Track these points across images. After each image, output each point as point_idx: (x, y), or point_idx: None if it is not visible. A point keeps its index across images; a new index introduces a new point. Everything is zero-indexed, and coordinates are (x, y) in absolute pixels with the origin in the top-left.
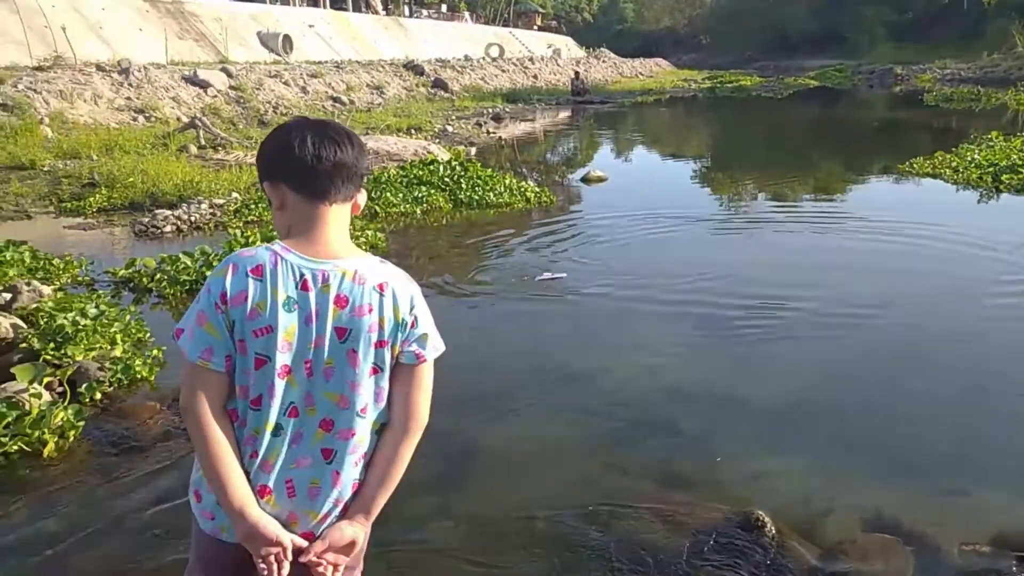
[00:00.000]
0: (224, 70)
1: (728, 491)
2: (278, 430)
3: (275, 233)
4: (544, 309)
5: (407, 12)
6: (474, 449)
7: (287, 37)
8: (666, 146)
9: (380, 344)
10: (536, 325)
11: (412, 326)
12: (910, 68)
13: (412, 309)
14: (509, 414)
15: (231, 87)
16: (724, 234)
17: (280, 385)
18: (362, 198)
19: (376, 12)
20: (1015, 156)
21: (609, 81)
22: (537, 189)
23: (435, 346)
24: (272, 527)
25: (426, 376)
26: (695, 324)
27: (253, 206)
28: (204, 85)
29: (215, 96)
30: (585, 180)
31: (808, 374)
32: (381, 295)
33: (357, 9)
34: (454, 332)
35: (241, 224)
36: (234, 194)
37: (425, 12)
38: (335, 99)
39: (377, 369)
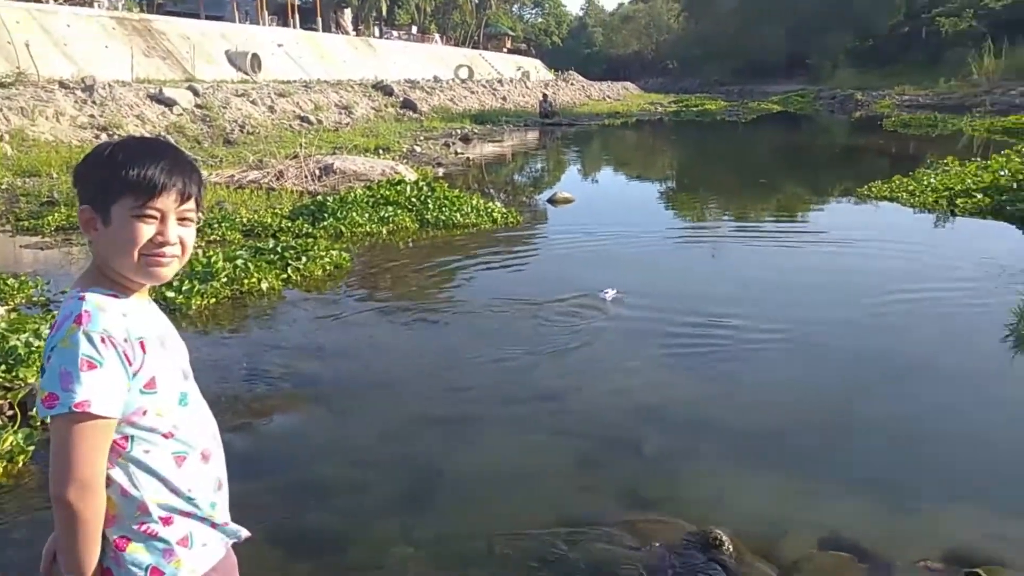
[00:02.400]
0: (191, 88)
1: (691, 510)
2: None
3: (238, 253)
4: (511, 329)
5: (377, 33)
6: (438, 472)
7: (256, 56)
8: (633, 168)
9: None
10: (502, 345)
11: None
12: (870, 94)
13: (50, 352)
14: (474, 436)
15: (197, 105)
16: (689, 254)
17: None
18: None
19: (346, 32)
20: (969, 181)
21: (577, 103)
22: (504, 210)
23: (47, 401)
24: None
25: (56, 435)
26: (662, 342)
27: (216, 225)
28: (170, 103)
29: (180, 114)
30: (552, 201)
31: (770, 392)
32: (51, 333)
33: (327, 29)
34: (419, 354)
35: (203, 244)
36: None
37: (395, 33)
38: (303, 118)
39: None
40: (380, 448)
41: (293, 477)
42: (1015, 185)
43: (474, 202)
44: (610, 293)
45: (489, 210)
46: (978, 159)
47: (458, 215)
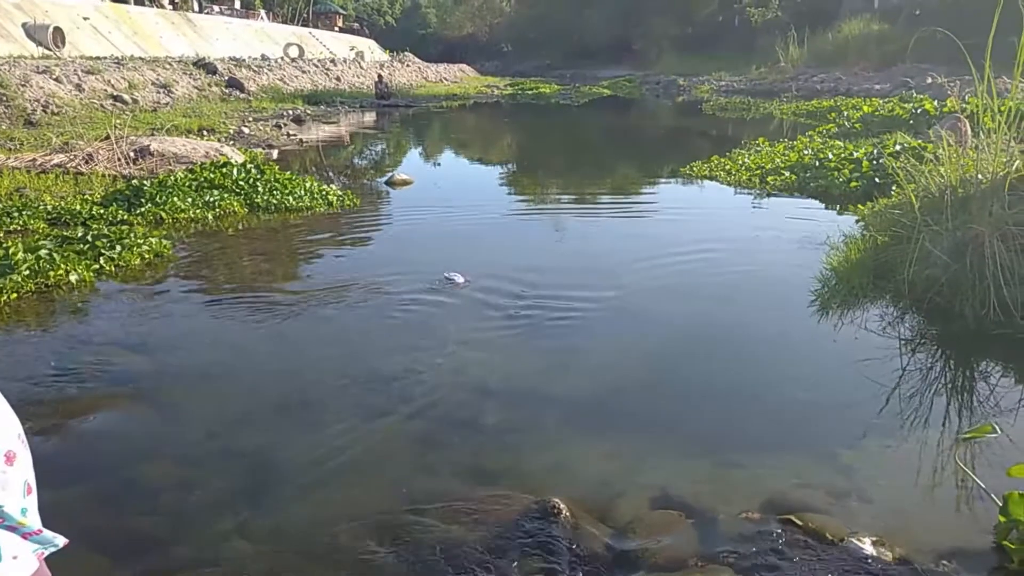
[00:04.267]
0: None
1: (531, 482)
2: None
3: (41, 243)
4: (347, 314)
5: (197, 7)
6: (275, 465)
7: (58, 30)
8: (472, 150)
9: None
10: (340, 331)
11: None
12: (691, 79)
13: None
14: (311, 424)
15: None
16: (524, 232)
17: None
18: None
19: (162, 6)
20: (778, 160)
21: (414, 85)
22: (340, 192)
23: None
24: None
25: None
26: (500, 319)
27: (16, 214)
28: None
29: None
30: (390, 183)
31: (602, 362)
32: None
33: (140, 2)
34: (249, 344)
35: (1, 235)
36: None
37: (217, 8)
38: (116, 98)
39: None
40: (209, 443)
41: (113, 480)
42: (817, 163)
43: (308, 185)
44: (459, 278)
45: (324, 193)
46: (786, 140)
47: (291, 198)
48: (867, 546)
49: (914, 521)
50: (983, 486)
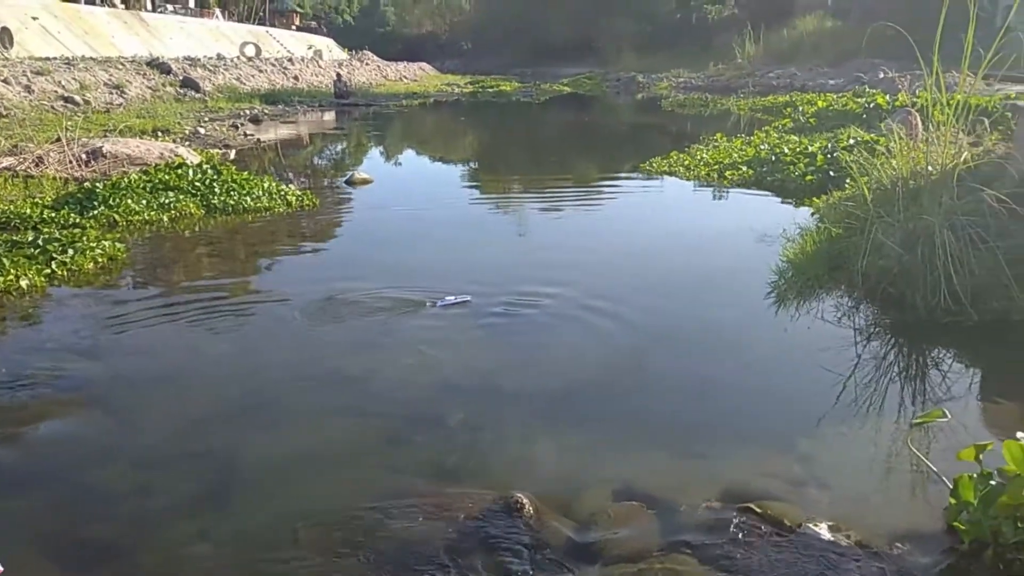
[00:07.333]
0: None
1: (495, 478)
2: None
3: None
4: (306, 316)
5: (150, 6)
6: (236, 466)
7: (5, 30)
8: (432, 148)
9: None
10: (299, 333)
11: None
12: (650, 76)
13: None
14: (272, 426)
15: None
16: (487, 230)
17: None
18: None
19: (113, 5)
20: (736, 155)
21: (373, 84)
22: (299, 193)
23: None
24: None
25: None
26: (465, 317)
27: None
28: None
29: None
30: (350, 183)
31: (565, 357)
32: None
33: (91, 1)
34: (210, 347)
35: None
36: None
37: (170, 7)
38: (67, 99)
39: None
40: (168, 447)
41: (69, 487)
42: (773, 158)
43: (266, 185)
44: (450, 300)
45: (283, 193)
46: (743, 135)
47: (248, 199)
48: (824, 531)
49: (869, 505)
50: (935, 469)
